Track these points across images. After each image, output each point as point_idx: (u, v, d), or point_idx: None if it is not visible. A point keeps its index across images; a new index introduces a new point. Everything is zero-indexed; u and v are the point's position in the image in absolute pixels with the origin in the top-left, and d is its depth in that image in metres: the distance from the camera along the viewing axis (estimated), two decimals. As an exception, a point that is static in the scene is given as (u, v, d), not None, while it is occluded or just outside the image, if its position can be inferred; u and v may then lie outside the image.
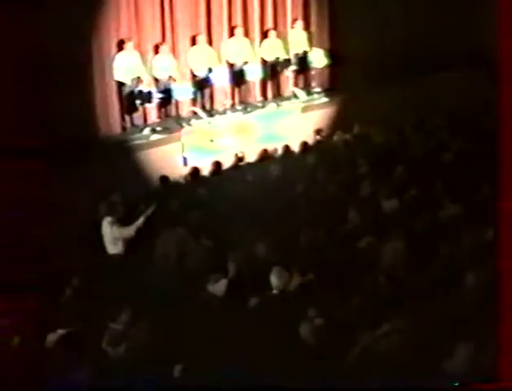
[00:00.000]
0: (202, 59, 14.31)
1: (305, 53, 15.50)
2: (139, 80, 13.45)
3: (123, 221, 9.86)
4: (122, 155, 12.91)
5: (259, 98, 15.52)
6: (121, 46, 13.31)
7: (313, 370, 6.83)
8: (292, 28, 15.65)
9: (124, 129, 13.71)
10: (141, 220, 9.73)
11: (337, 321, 7.52)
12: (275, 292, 8.17)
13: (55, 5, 11.30)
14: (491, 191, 10.10)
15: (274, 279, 8.17)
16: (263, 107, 15.08)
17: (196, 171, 12.74)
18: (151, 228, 9.90)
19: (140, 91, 13.31)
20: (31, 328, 7.53)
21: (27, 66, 7.38)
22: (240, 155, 13.79)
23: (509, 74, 6.34)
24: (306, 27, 15.79)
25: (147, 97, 13.37)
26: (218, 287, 8.59)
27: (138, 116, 13.79)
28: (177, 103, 14.13)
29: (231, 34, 14.84)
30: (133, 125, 13.76)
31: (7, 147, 7.51)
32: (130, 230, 9.78)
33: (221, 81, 14.38)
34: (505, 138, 6.22)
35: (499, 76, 6.38)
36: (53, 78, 10.85)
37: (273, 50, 15.22)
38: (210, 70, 14.20)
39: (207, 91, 14.51)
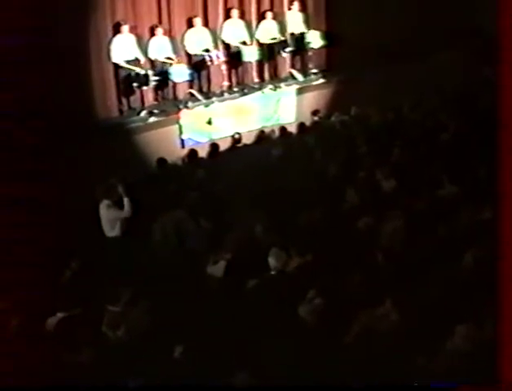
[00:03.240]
0: (199, 41, 14.28)
1: (302, 34, 15.45)
2: (135, 62, 13.44)
3: (120, 204, 9.84)
4: (120, 138, 12.91)
5: (256, 79, 15.50)
6: (117, 28, 13.29)
7: (313, 350, 6.86)
8: (289, 9, 15.60)
9: (121, 111, 13.71)
10: (126, 200, 9.68)
11: (336, 301, 7.54)
12: (273, 272, 8.19)
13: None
14: (488, 171, 10.13)
15: (272, 260, 8.19)
16: (260, 88, 15.05)
17: (193, 153, 12.72)
18: (149, 210, 9.91)
19: (137, 74, 13.29)
20: (30, 312, 7.55)
21: (24, 48, 7.38)
22: (237, 136, 13.78)
23: (509, 53, 6.32)
24: (303, 8, 15.74)
25: (144, 79, 13.35)
26: (217, 268, 8.61)
27: (135, 99, 13.78)
28: (174, 85, 14.10)
29: (228, 16, 14.80)
30: (130, 107, 13.76)
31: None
32: (125, 212, 9.74)
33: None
34: (505, 118, 6.20)
35: (499, 55, 6.36)
36: (50, 61, 10.82)
37: (270, 31, 15.19)
38: (207, 52, 14.16)
39: (204, 73, 14.48)
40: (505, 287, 5.91)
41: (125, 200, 9.64)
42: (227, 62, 14.64)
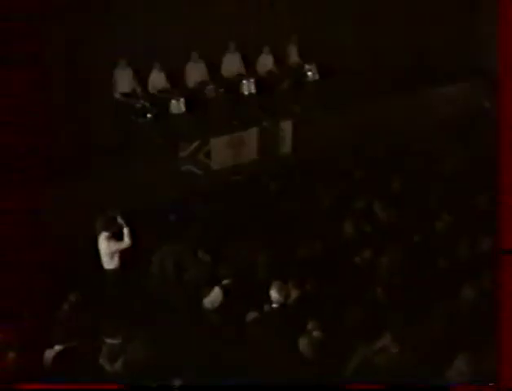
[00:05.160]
0: (197, 75, 14.35)
1: (299, 67, 15.52)
2: (134, 95, 13.49)
3: (119, 236, 9.82)
4: (119, 170, 12.89)
5: (254, 112, 15.52)
6: (116, 62, 13.36)
7: (311, 382, 6.83)
8: (286, 42, 15.69)
9: (119, 143, 13.70)
10: (125, 230, 9.69)
11: (335, 333, 7.52)
12: (274, 305, 8.15)
13: (54, 21, 11.38)
14: (488, 202, 10.16)
15: (274, 293, 8.15)
16: (258, 121, 15.08)
17: (193, 186, 12.73)
18: (148, 242, 9.90)
19: (135, 106, 13.33)
20: (28, 344, 7.53)
21: (24, 80, 7.43)
22: (235, 169, 13.79)
23: (509, 86, 6.38)
24: (300, 42, 15.83)
25: (142, 112, 13.39)
26: (213, 297, 8.60)
27: (133, 131, 13.78)
28: (172, 117, 14.12)
29: (226, 49, 14.87)
30: (128, 139, 13.75)
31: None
32: (125, 243, 9.72)
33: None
34: (504, 150, 6.25)
35: (498, 89, 6.42)
36: (51, 93, 10.90)
37: (267, 64, 15.27)
38: (205, 84, 14.23)
39: (202, 106, 14.51)
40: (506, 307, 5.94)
41: (125, 231, 9.65)
42: (225, 95, 14.67)
